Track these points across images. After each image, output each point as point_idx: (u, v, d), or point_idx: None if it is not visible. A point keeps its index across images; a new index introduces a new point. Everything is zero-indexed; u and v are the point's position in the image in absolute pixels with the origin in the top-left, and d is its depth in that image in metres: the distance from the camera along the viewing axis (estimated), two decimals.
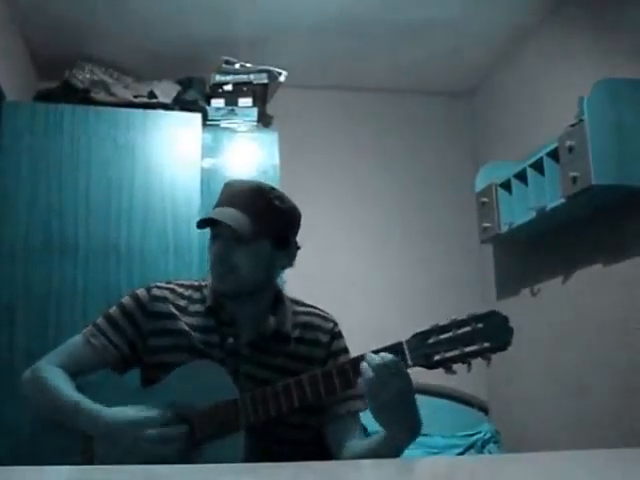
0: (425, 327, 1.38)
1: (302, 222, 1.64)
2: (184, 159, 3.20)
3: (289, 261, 1.62)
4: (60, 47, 3.58)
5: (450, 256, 4.10)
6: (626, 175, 2.66)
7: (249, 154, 3.39)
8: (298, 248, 1.62)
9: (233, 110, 3.43)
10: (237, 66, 3.50)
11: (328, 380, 1.39)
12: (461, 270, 4.09)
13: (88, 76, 3.39)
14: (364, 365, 1.33)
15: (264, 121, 3.51)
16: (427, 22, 3.49)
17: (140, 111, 3.26)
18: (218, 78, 3.47)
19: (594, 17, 3.11)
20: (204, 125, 3.32)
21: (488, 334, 1.31)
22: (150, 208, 3.10)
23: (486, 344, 1.30)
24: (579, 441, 2.99)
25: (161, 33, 3.56)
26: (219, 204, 1.57)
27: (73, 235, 2.99)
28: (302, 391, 1.39)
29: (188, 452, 1.41)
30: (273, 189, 1.58)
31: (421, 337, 1.34)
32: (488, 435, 3.51)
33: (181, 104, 3.43)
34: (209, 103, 3.45)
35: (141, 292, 1.62)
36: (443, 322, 1.35)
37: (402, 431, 1.37)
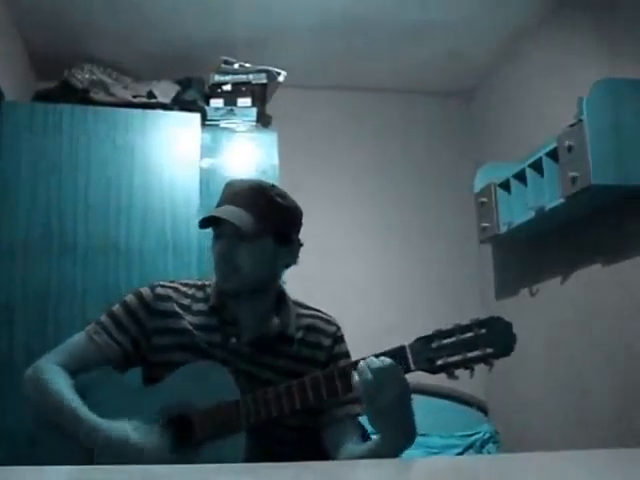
0: (424, 327, 1.38)
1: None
2: (183, 159, 3.20)
3: (292, 258, 1.61)
4: (59, 47, 3.58)
5: (449, 256, 4.11)
6: (625, 175, 2.66)
7: (248, 154, 3.39)
8: (301, 245, 1.62)
9: (232, 110, 3.43)
10: (236, 66, 3.50)
11: (330, 382, 1.38)
12: (460, 270, 4.10)
13: (87, 76, 3.39)
14: (363, 367, 1.32)
15: (263, 121, 3.51)
16: (427, 23, 3.49)
17: (139, 111, 3.26)
18: (217, 78, 3.47)
19: (593, 18, 3.11)
20: (203, 125, 3.32)
21: (491, 340, 1.31)
22: (149, 208, 3.10)
23: (489, 350, 1.30)
24: (579, 441, 2.99)
25: (160, 33, 3.56)
26: (220, 203, 1.57)
27: (72, 234, 2.99)
28: (303, 393, 1.39)
29: (185, 455, 1.41)
30: (274, 187, 1.59)
31: (424, 341, 1.34)
32: (487, 435, 3.52)
33: (180, 104, 3.43)
34: (208, 103, 3.45)
35: (145, 290, 1.62)
36: (446, 327, 1.34)
37: (397, 436, 1.37)
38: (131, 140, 3.16)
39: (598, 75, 2.81)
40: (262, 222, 1.51)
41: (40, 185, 3.02)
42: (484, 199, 3.50)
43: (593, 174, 2.62)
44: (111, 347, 1.56)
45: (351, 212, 4.08)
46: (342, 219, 4.06)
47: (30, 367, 1.55)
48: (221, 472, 1.18)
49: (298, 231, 1.62)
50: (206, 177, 3.22)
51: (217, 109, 3.43)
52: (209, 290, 1.63)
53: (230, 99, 3.45)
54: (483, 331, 1.32)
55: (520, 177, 3.23)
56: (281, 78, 3.52)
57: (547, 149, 2.97)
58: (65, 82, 3.36)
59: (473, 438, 3.49)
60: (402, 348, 1.35)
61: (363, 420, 1.54)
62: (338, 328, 1.65)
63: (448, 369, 1.32)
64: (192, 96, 3.49)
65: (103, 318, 1.60)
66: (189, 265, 3.03)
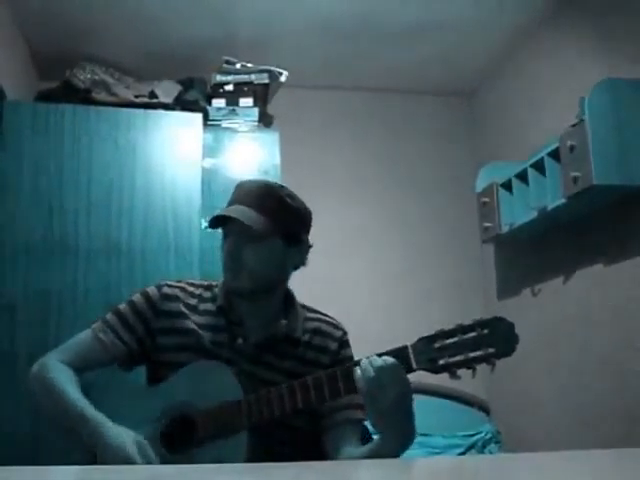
0: (427, 327, 1.38)
1: None
2: (185, 159, 3.21)
3: (301, 259, 1.61)
4: (61, 47, 3.59)
5: (451, 256, 4.11)
6: (627, 175, 2.66)
7: (250, 154, 3.39)
8: (310, 246, 1.62)
9: (234, 110, 3.43)
10: (238, 66, 3.50)
11: (332, 382, 1.38)
12: (462, 270, 4.09)
13: (89, 76, 3.39)
14: (366, 365, 1.33)
15: (265, 121, 3.51)
16: (427, 23, 3.49)
17: (141, 111, 3.26)
18: (219, 78, 3.47)
19: (594, 18, 3.11)
20: (205, 125, 3.32)
21: (493, 340, 1.31)
22: (151, 208, 3.10)
23: (491, 350, 1.30)
24: (581, 441, 2.99)
25: (162, 33, 3.56)
26: (231, 203, 1.57)
27: (74, 235, 3.00)
28: (306, 392, 1.39)
29: (186, 455, 1.41)
30: (283, 187, 1.59)
31: (426, 341, 1.35)
32: (489, 435, 3.51)
33: (182, 104, 3.43)
34: (210, 103, 3.45)
35: (152, 290, 1.63)
36: (448, 327, 1.34)
37: (396, 437, 1.37)
38: (133, 140, 3.16)
39: (598, 75, 2.81)
40: (271, 222, 1.51)
41: (42, 185, 3.03)
42: (486, 199, 3.50)
43: (595, 174, 2.62)
44: (117, 346, 1.56)
45: (353, 212, 4.08)
46: (344, 219, 4.06)
47: (36, 363, 1.55)
48: (222, 472, 1.18)
49: (307, 232, 1.62)
50: (208, 177, 3.22)
51: (219, 109, 3.43)
52: (216, 290, 1.63)
53: (232, 99, 3.45)
54: (485, 331, 1.32)
55: (522, 177, 3.23)
56: (283, 78, 3.52)
57: (549, 149, 2.97)
58: (67, 82, 3.36)
59: (475, 438, 3.49)
60: (404, 348, 1.35)
61: (367, 424, 1.55)
62: (344, 333, 1.65)
63: (450, 369, 1.32)
64: (194, 96, 3.49)
65: (109, 316, 1.60)
66: (191, 265, 3.03)
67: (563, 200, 2.85)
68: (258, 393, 1.42)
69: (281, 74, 3.51)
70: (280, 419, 1.42)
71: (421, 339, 1.35)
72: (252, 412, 1.41)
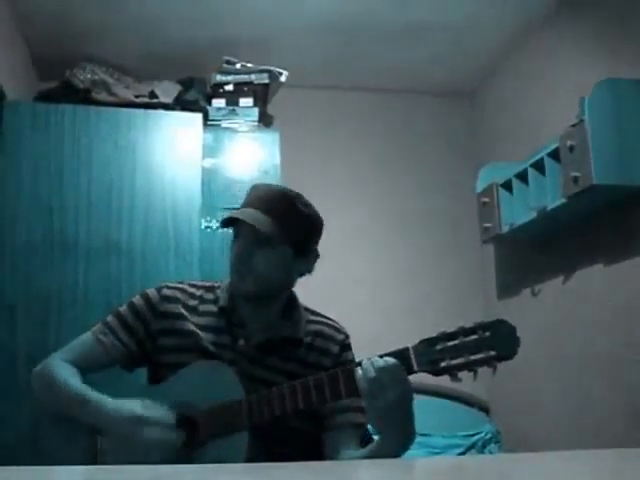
0: (427, 328, 1.38)
1: None
2: (185, 159, 3.21)
3: (308, 268, 1.62)
4: (61, 47, 3.59)
5: (451, 257, 4.10)
6: (627, 175, 2.66)
7: (250, 154, 3.40)
8: (318, 256, 1.62)
9: (234, 110, 3.43)
10: (238, 66, 3.50)
11: (333, 383, 1.38)
12: (462, 270, 4.09)
13: (89, 76, 3.39)
14: (367, 365, 1.33)
15: (265, 121, 3.52)
16: (428, 23, 3.49)
17: (141, 111, 3.26)
18: (219, 78, 3.48)
19: (594, 18, 3.11)
20: (205, 125, 3.33)
21: (495, 343, 1.31)
22: (151, 208, 3.10)
23: (492, 353, 1.30)
24: (580, 441, 2.99)
25: (162, 33, 3.56)
26: (244, 205, 1.57)
27: (74, 234, 3.00)
28: (307, 393, 1.39)
29: (187, 454, 1.42)
30: (299, 195, 1.59)
31: (427, 343, 1.35)
32: (489, 435, 3.52)
33: (182, 104, 3.43)
34: (210, 103, 3.45)
35: (151, 292, 1.63)
36: (450, 329, 1.34)
37: (396, 437, 1.37)
38: (133, 140, 3.16)
39: (598, 75, 2.81)
40: (282, 228, 1.51)
41: (42, 185, 3.03)
42: (486, 199, 3.50)
43: (595, 174, 2.62)
44: (117, 348, 1.57)
45: (352, 212, 4.08)
46: (343, 219, 4.05)
47: (39, 364, 1.57)
48: (221, 472, 1.18)
49: (317, 242, 1.63)
50: (208, 177, 3.23)
51: (219, 109, 3.43)
52: (219, 292, 1.63)
53: (232, 99, 3.45)
54: (487, 334, 1.32)
55: (522, 177, 3.23)
56: (283, 78, 3.52)
57: (549, 149, 2.97)
58: (67, 82, 3.36)
59: (475, 438, 3.49)
60: (406, 349, 1.35)
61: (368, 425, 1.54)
62: (346, 336, 1.65)
63: (451, 371, 1.32)
64: (194, 96, 3.49)
65: (110, 319, 1.61)
66: (191, 265, 3.03)
67: (563, 200, 2.85)
68: (259, 393, 1.42)
69: (281, 74, 3.51)
70: (281, 420, 1.42)
71: (422, 341, 1.35)
72: (253, 412, 1.41)
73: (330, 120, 4.18)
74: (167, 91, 3.45)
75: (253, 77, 3.49)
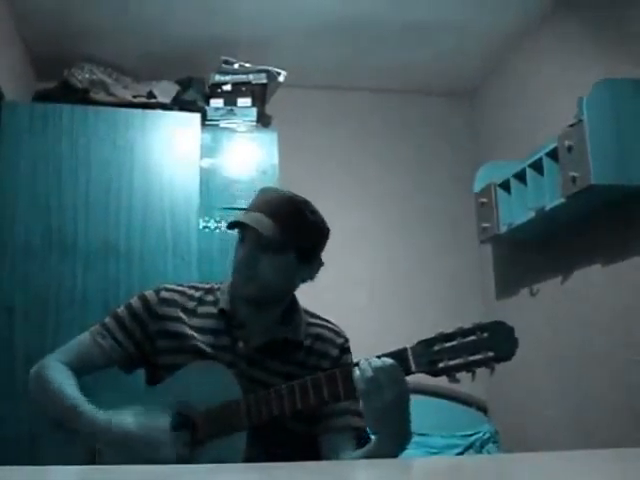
0: (425, 328, 1.38)
1: None
2: (183, 159, 3.20)
3: (310, 275, 1.62)
4: (59, 47, 3.58)
5: (449, 256, 4.10)
6: (625, 175, 2.66)
7: (248, 154, 3.39)
8: (322, 264, 1.62)
9: (232, 110, 3.43)
10: (236, 66, 3.50)
11: (331, 383, 1.38)
12: (461, 270, 4.09)
13: (87, 76, 3.39)
14: (365, 365, 1.33)
15: (263, 121, 3.51)
16: (427, 23, 3.49)
17: (139, 111, 3.26)
18: (217, 78, 3.47)
19: (593, 18, 3.12)
20: (203, 125, 3.32)
21: (493, 344, 1.31)
22: (149, 208, 3.10)
23: (490, 354, 1.30)
24: (579, 441, 2.99)
25: (160, 33, 3.56)
26: (251, 209, 1.57)
27: (72, 235, 2.99)
28: (305, 393, 1.39)
29: (185, 456, 1.42)
30: (307, 202, 1.59)
31: (426, 344, 1.35)
32: (487, 435, 3.52)
33: (180, 104, 3.43)
34: (208, 103, 3.45)
35: (149, 294, 1.63)
36: (448, 330, 1.34)
37: (393, 438, 1.37)
38: (131, 140, 3.16)
39: (598, 75, 2.81)
40: (287, 234, 1.51)
41: (40, 185, 3.02)
42: (484, 199, 3.50)
43: (593, 174, 2.62)
44: (115, 349, 1.57)
45: (351, 212, 4.07)
46: (342, 219, 4.04)
47: (36, 365, 1.57)
48: (220, 471, 1.18)
49: (322, 250, 1.62)
50: (206, 177, 3.23)
51: (217, 109, 3.43)
52: (219, 294, 1.62)
53: (230, 99, 3.45)
54: (485, 335, 1.32)
55: (520, 177, 3.23)
56: (281, 78, 3.52)
57: (547, 149, 2.97)
58: (65, 82, 3.36)
59: (473, 438, 3.49)
60: (404, 350, 1.35)
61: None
62: (346, 340, 1.65)
63: (449, 372, 1.32)
64: (192, 96, 3.49)
65: (107, 320, 1.61)
66: (189, 265, 3.03)
67: (561, 200, 2.85)
68: (257, 394, 1.42)
69: (279, 74, 3.51)
70: (279, 422, 1.42)
71: (421, 342, 1.35)
72: (251, 412, 1.41)
73: (329, 120, 4.18)
74: (165, 91, 3.45)
75: (251, 77, 3.49)
